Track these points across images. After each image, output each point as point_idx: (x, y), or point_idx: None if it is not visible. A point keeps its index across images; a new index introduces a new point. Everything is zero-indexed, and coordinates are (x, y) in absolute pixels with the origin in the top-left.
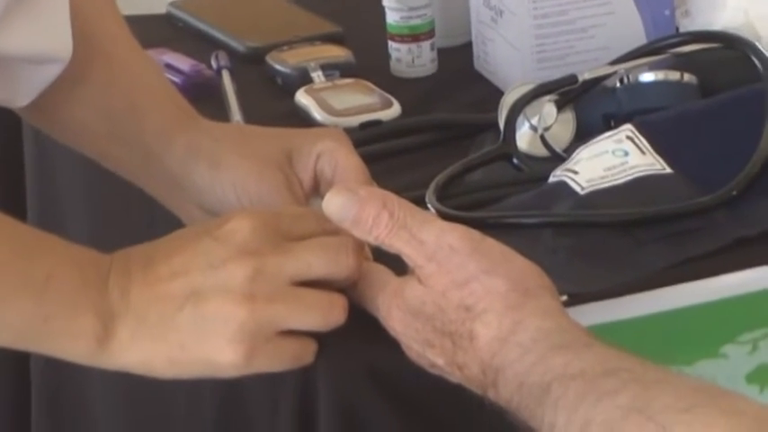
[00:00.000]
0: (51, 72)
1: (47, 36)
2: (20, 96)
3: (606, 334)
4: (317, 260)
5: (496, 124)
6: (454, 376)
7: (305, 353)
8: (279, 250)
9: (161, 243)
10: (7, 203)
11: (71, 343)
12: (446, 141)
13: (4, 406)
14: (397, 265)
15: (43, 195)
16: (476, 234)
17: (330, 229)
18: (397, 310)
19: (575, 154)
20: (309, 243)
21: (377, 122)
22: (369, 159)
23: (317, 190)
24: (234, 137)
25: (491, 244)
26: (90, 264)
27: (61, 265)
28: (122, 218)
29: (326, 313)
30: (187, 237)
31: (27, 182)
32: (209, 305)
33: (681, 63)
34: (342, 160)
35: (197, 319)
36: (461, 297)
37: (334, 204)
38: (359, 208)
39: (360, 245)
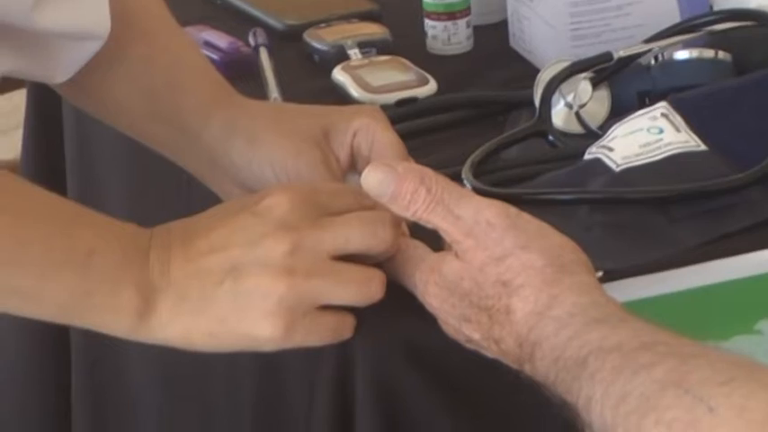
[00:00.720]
0: (90, 49)
1: (85, 13)
2: (59, 73)
3: (641, 310)
4: (355, 234)
5: (531, 101)
6: (491, 351)
7: (343, 327)
8: (317, 225)
9: (201, 218)
10: (48, 180)
11: (113, 317)
12: (481, 118)
13: (45, 377)
14: (434, 242)
15: (82, 173)
16: (512, 210)
17: (367, 205)
18: (434, 285)
19: (610, 131)
20: (347, 218)
21: (413, 99)
22: (405, 136)
23: (353, 166)
24: (271, 114)
25: (527, 219)
26: (131, 239)
27: (103, 240)
28: (160, 194)
29: (364, 288)
30: (226, 212)
31: (66, 159)
32: (249, 280)
33: (715, 41)
34: (379, 137)
35: (236, 294)
36: (498, 272)
37: (372, 180)
38: (397, 183)
39: (397, 220)
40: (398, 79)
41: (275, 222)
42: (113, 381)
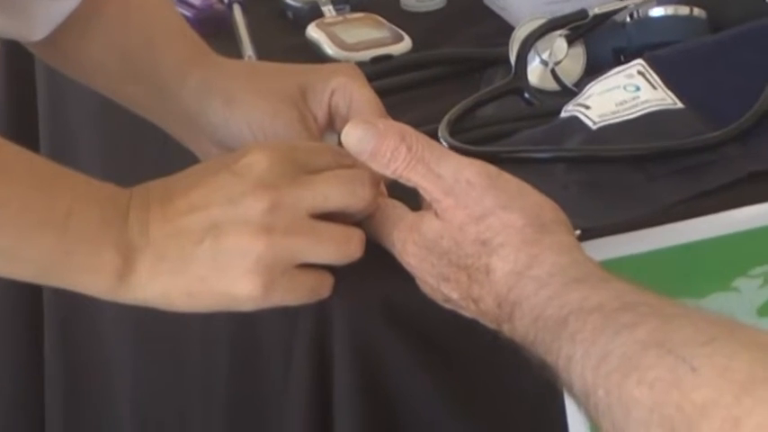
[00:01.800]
0: (66, 6)
1: None
2: (35, 30)
3: (619, 268)
4: (333, 192)
5: (506, 59)
6: (469, 310)
7: (321, 286)
8: (296, 183)
9: (179, 177)
10: (20, 137)
11: (92, 278)
12: (457, 76)
13: (18, 335)
14: (413, 201)
15: (56, 129)
16: (493, 169)
17: (346, 164)
18: (413, 244)
19: (586, 89)
20: (326, 176)
21: (388, 57)
22: (380, 94)
23: (331, 125)
24: (247, 74)
25: (508, 179)
26: (110, 199)
27: (81, 201)
28: (135, 152)
29: (343, 246)
30: (205, 171)
31: (39, 116)
32: (228, 238)
33: None
34: (356, 95)
35: (216, 253)
36: (478, 231)
37: (352, 137)
38: (377, 141)
39: (376, 178)
40: (373, 36)
41: (254, 180)
42: (86, 337)
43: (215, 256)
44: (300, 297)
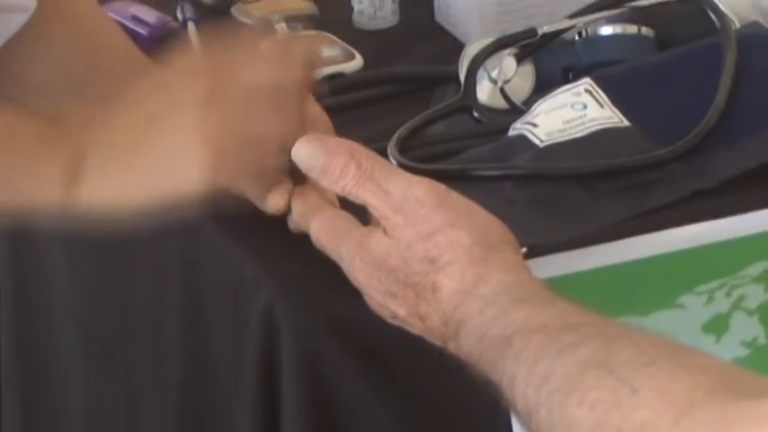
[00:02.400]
0: (14, 22)
1: None
2: None
3: (565, 285)
4: (265, 70)
5: (457, 77)
6: (416, 327)
7: (265, 161)
8: (227, 63)
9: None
10: None
11: (40, 188)
12: (407, 93)
13: None
14: (362, 216)
15: None
16: (441, 187)
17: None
18: (361, 260)
19: (534, 107)
20: (257, 57)
21: (339, 75)
22: (331, 111)
23: None
24: None
25: (456, 198)
26: (47, 120)
27: (24, 121)
28: None
29: (280, 113)
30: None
31: None
32: (170, 121)
33: (638, 17)
34: (306, 113)
35: (160, 139)
36: (426, 249)
37: (303, 153)
38: (327, 157)
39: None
40: (325, 54)
41: (186, 69)
42: (41, 344)
43: (160, 143)
44: (247, 170)
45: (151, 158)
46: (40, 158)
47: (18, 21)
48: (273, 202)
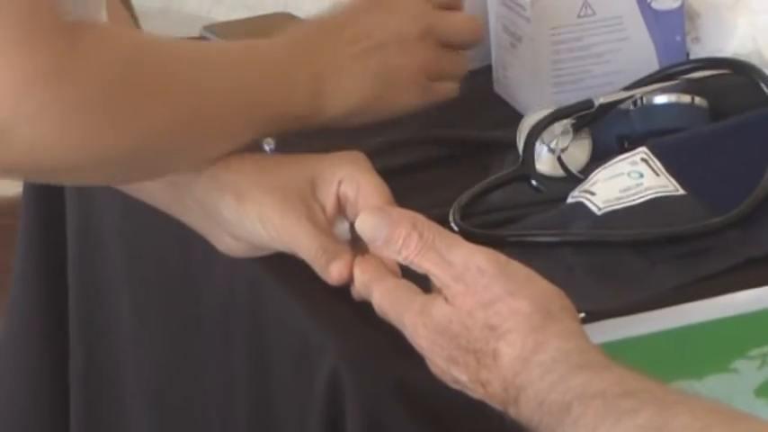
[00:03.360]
0: None
1: None
2: None
3: (622, 349)
4: (463, 28)
5: (514, 145)
6: (477, 393)
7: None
8: (435, 14)
9: (344, 13)
10: (46, 217)
11: (292, 101)
12: (466, 157)
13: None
14: (424, 283)
15: (81, 214)
16: (501, 257)
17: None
18: (424, 327)
19: (591, 176)
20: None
21: None
22: (393, 172)
23: (341, 213)
24: (254, 168)
25: (516, 267)
26: (292, 41)
27: (270, 48)
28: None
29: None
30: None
31: (66, 202)
32: (391, 58)
33: (692, 88)
34: (363, 183)
35: (384, 72)
36: (487, 317)
37: (367, 225)
38: (390, 229)
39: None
40: None
41: (403, 12)
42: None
43: (384, 75)
44: (446, 94)
45: (378, 88)
46: (289, 69)
47: None
48: (336, 273)
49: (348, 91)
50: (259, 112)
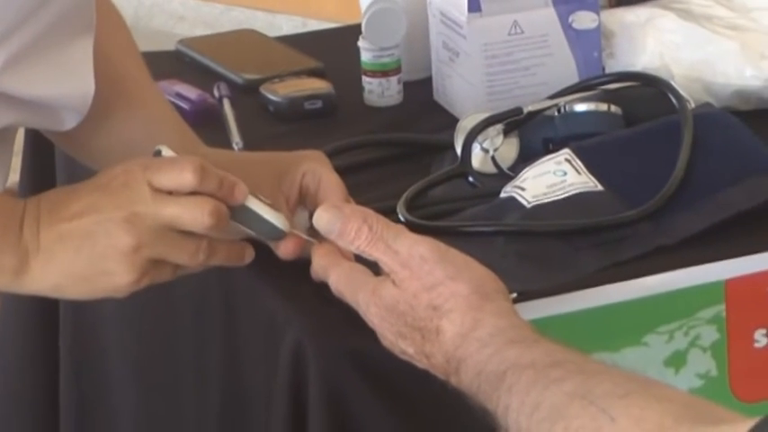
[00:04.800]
0: (88, 98)
1: (62, 82)
2: (66, 122)
3: (549, 325)
4: (181, 214)
5: (452, 146)
6: (422, 363)
7: (175, 272)
8: (153, 200)
9: (65, 190)
10: None
11: None
12: (409, 157)
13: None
14: (374, 268)
15: None
16: (442, 245)
17: (187, 179)
18: (375, 306)
19: (521, 173)
20: (177, 200)
21: None
22: (344, 170)
23: (302, 202)
24: (230, 162)
25: (455, 254)
26: (8, 210)
27: None
28: None
29: (193, 254)
30: (84, 186)
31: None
32: (100, 243)
33: (608, 97)
34: (324, 178)
35: (93, 256)
36: (430, 298)
37: (322, 219)
38: (343, 223)
39: (219, 207)
40: None
41: (115, 195)
42: (95, 363)
43: (92, 259)
44: (167, 278)
45: (86, 271)
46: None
47: (89, 98)
48: (283, 248)
49: (52, 271)
50: None
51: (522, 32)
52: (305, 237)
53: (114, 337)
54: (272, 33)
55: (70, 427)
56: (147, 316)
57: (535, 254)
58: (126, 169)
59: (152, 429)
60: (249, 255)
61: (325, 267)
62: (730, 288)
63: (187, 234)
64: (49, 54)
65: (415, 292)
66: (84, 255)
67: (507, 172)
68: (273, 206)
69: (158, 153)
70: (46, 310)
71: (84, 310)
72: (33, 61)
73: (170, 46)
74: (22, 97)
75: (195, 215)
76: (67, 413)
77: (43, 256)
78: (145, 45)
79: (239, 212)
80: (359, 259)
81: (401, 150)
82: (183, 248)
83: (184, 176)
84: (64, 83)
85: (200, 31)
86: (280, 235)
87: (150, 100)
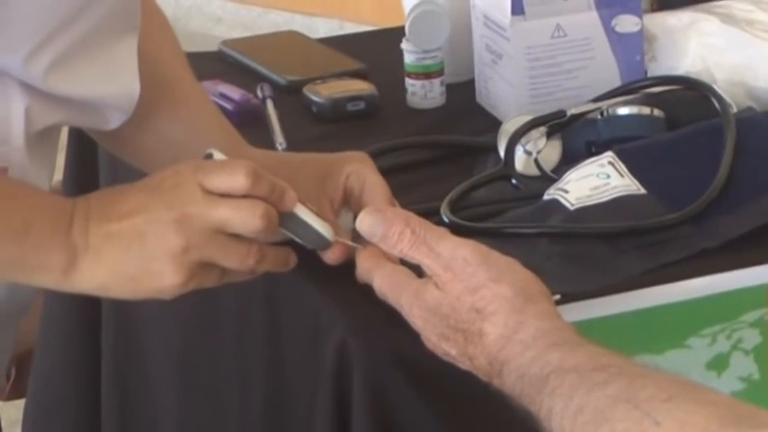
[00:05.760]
0: (133, 98)
1: (107, 82)
2: (111, 121)
3: (592, 328)
4: (232, 217)
5: (495, 149)
6: (465, 365)
7: (222, 277)
8: (202, 203)
9: (114, 191)
10: None
11: (43, 275)
12: (452, 159)
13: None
14: (417, 271)
15: None
16: (484, 248)
17: (240, 183)
18: (418, 308)
19: (565, 176)
20: (228, 202)
21: None
22: (387, 171)
23: (346, 204)
24: (275, 164)
25: (497, 256)
26: (59, 209)
27: (36, 212)
28: None
29: (243, 258)
30: (134, 187)
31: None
32: (149, 244)
33: (650, 101)
34: (368, 179)
35: (141, 256)
36: (473, 301)
37: (365, 223)
38: (386, 226)
39: (271, 211)
40: None
41: (166, 196)
42: (137, 368)
43: (141, 260)
44: (213, 283)
45: (134, 271)
46: (49, 251)
47: (134, 98)
48: (330, 254)
49: (99, 270)
50: (7, 274)
51: (565, 35)
52: (350, 243)
53: (157, 337)
54: (310, 35)
55: (112, 426)
56: (191, 316)
57: (578, 256)
58: (177, 171)
59: (194, 429)
60: (293, 260)
61: (369, 270)
62: None
63: (237, 238)
64: (95, 54)
65: (458, 295)
66: (132, 255)
67: (550, 174)
68: (320, 214)
69: (209, 156)
70: (88, 309)
71: (126, 310)
72: (80, 61)
73: (207, 48)
74: (69, 97)
75: (246, 218)
76: (109, 412)
77: (92, 255)
78: (190, 46)
79: (287, 219)
80: (403, 263)
81: (444, 152)
82: (232, 252)
83: (237, 179)
84: (110, 82)
85: (237, 34)
86: (325, 244)
87: (195, 100)
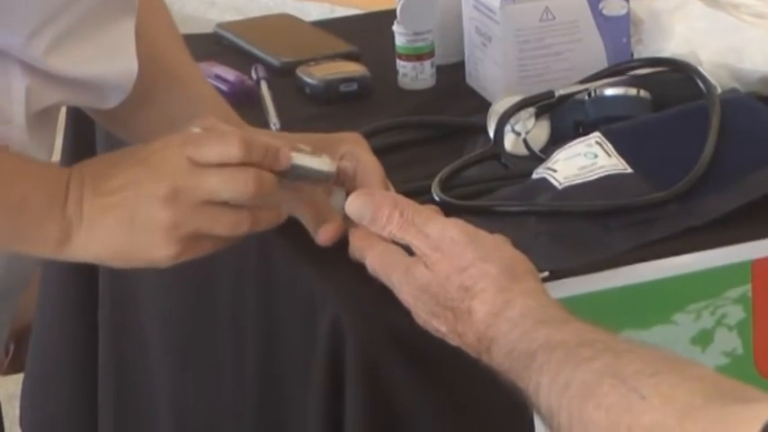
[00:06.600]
0: (132, 77)
1: (105, 61)
2: (109, 100)
3: (581, 303)
4: (222, 187)
5: (485, 129)
6: (454, 341)
7: (216, 245)
8: (191, 174)
9: (107, 160)
10: None
11: (39, 246)
12: (443, 139)
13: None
14: (409, 251)
15: None
16: (471, 228)
17: (233, 153)
18: (408, 285)
19: (553, 155)
20: (216, 171)
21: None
22: (380, 151)
23: (340, 183)
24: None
25: (485, 235)
26: (55, 182)
27: (34, 186)
28: None
29: (235, 226)
30: (126, 158)
31: None
32: (141, 217)
33: (637, 82)
34: (362, 159)
35: (133, 228)
36: (461, 280)
37: (354, 206)
38: (375, 209)
39: (263, 175)
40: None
41: (155, 169)
42: (133, 344)
43: (133, 233)
44: (207, 251)
45: (126, 242)
46: (44, 222)
47: (132, 77)
48: (323, 234)
49: (94, 242)
50: (3, 244)
51: (554, 18)
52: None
53: (153, 311)
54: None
55: (109, 398)
56: (187, 289)
57: (566, 234)
58: (164, 144)
59: (190, 401)
60: (284, 215)
61: (361, 248)
62: (756, 268)
63: (227, 206)
64: (95, 34)
65: (447, 274)
66: (124, 228)
67: (539, 154)
68: (314, 152)
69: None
70: (85, 283)
71: (123, 283)
72: (79, 41)
73: (201, 30)
74: (69, 76)
75: (238, 185)
76: (106, 384)
77: (86, 227)
78: (185, 28)
79: (287, 172)
80: (394, 243)
81: (434, 132)
82: (224, 221)
83: (231, 150)
84: (108, 61)
85: (230, 17)
86: (330, 177)
87: (191, 79)
